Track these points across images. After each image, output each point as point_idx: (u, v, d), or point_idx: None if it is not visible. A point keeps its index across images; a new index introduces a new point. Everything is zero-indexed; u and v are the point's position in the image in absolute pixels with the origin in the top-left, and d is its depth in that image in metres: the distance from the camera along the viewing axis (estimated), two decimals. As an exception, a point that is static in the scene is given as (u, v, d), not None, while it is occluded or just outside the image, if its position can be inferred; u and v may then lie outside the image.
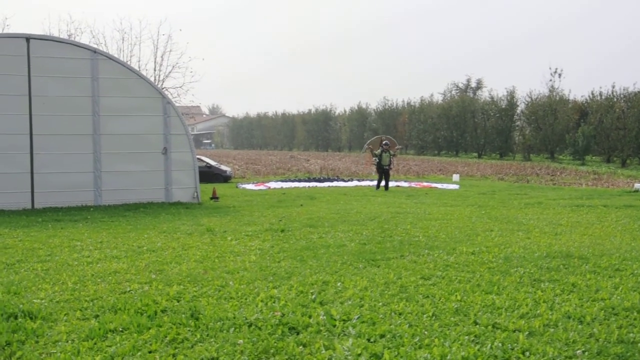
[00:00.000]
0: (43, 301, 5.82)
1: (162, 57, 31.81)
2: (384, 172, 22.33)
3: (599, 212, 14.10)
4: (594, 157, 46.22)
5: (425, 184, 26.55)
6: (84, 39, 40.42)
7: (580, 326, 5.00)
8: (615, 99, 43.17)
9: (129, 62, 30.00)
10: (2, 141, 14.50)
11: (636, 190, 20.77)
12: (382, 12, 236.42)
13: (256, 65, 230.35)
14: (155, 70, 31.65)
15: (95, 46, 28.46)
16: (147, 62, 45.24)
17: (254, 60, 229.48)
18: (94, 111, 15.28)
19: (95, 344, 4.64)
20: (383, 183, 22.33)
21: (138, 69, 29.80)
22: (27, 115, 14.69)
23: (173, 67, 31.97)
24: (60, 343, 4.65)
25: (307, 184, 25.86)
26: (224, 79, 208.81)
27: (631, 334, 4.76)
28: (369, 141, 30.25)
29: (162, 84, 31.07)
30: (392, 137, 44.26)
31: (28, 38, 14.64)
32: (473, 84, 73.87)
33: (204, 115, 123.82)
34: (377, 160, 22.61)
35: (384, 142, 23.28)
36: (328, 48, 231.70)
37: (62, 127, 15.01)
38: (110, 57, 16.03)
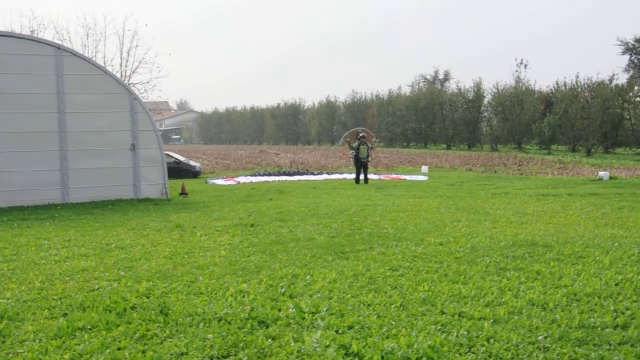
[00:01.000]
0: (9, 301, 5.76)
1: (128, 52, 31.56)
2: (362, 165, 22.09)
3: (564, 200, 14.37)
4: (560, 147, 47.01)
5: (394, 176, 26.74)
6: (48, 35, 39.87)
7: (543, 313, 5.12)
8: (579, 89, 43.95)
9: (94, 58, 29.69)
10: (-36, 140, 14.26)
11: (600, 179, 21.19)
12: (356, 11, 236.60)
13: (225, 61, 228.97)
14: (121, 66, 31.36)
15: (59, 42, 28.13)
16: (113, 58, 44.50)
17: (225, 57, 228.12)
18: (59, 108, 15.07)
19: (63, 342, 4.62)
20: (362, 176, 22.16)
21: (104, 65, 29.53)
22: (-9, 113, 14.45)
23: (140, 62, 31.73)
24: (27, 342, 4.62)
25: (276, 178, 25.87)
26: (192, 75, 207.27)
27: (592, 319, 4.89)
28: (345, 133, 30.26)
29: (128, 80, 30.82)
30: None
31: (-11, 34, 14.39)
32: (441, 76, 74.67)
33: (172, 111, 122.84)
34: (355, 153, 22.25)
35: (360, 135, 23.09)
36: (298, 46, 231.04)
37: (26, 124, 14.78)
38: (74, 54, 15.83)
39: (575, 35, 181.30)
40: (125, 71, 31.33)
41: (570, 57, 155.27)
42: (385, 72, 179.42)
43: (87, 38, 31.33)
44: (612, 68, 75.92)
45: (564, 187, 18.46)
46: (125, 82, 30.05)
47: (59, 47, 15.33)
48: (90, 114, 15.46)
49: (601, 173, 22.18)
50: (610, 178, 21.44)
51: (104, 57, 38.24)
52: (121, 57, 31.38)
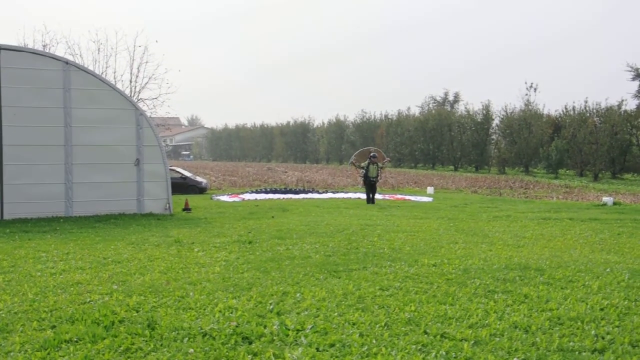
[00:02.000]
0: (1, 312, 5.86)
1: (138, 68, 31.84)
2: (370, 185, 21.96)
3: (564, 225, 14.37)
4: (567, 171, 46.93)
5: (399, 196, 26.77)
6: (60, 50, 40.41)
7: (525, 335, 5.16)
8: (588, 114, 43.97)
9: (104, 74, 30.05)
10: (-29, 152, 14.47)
11: (604, 204, 21.15)
12: (363, 27, 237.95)
13: (237, 77, 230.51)
14: (131, 81, 31.66)
15: (71, 57, 28.53)
16: (123, 73, 45.00)
17: (235, 72, 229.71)
18: (66, 122, 15.27)
19: (48, 354, 4.70)
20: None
21: (114, 80, 29.94)
22: (-2, 126, 14.67)
23: (149, 78, 32.01)
24: (12, 354, 4.70)
25: (281, 196, 25.96)
26: (204, 91, 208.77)
27: (571, 343, 4.93)
28: (355, 153, 30.33)
29: (138, 95, 31.08)
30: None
31: (-1, 49, 14.64)
32: (450, 98, 74.72)
33: (183, 127, 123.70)
34: (364, 172, 22.09)
35: (371, 154, 23.03)
36: (308, 62, 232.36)
37: (33, 138, 14.99)
38: (82, 69, 16.07)
39: (585, 62, 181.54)
40: (135, 87, 31.64)
41: (580, 83, 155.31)
42: (394, 96, 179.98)
43: (99, 53, 31.64)
44: (621, 94, 75.78)
45: (566, 211, 18.44)
46: (135, 97, 30.42)
47: (67, 62, 15.56)
48: (96, 128, 15.64)
49: (605, 198, 22.14)
50: (614, 204, 21.39)
51: (115, 72, 38.70)
52: (131, 73, 31.71)
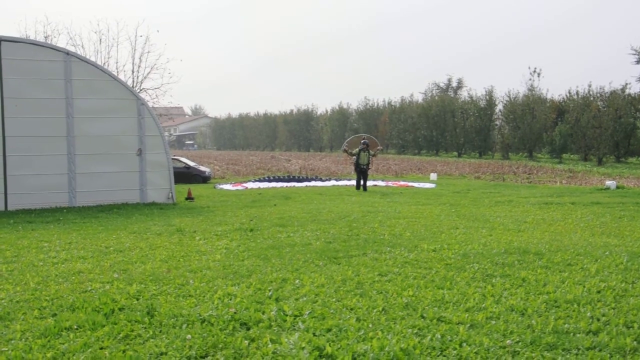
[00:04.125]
0: (2, 301, 5.92)
1: (140, 58, 31.75)
2: (361, 172, 22.04)
3: (566, 209, 14.38)
4: (572, 156, 46.77)
5: (402, 183, 26.79)
6: (61, 41, 40.37)
7: (520, 318, 5.20)
8: (591, 98, 43.71)
9: (106, 64, 30.02)
10: (-26, 144, 14.54)
11: (607, 188, 21.13)
12: (366, 15, 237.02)
13: (240, 66, 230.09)
14: (133, 71, 31.62)
15: (72, 48, 28.54)
16: (125, 64, 45.02)
17: (238, 61, 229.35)
18: (67, 113, 15.33)
19: (48, 341, 4.76)
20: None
21: (116, 71, 29.93)
22: (0, 118, 14.72)
23: (151, 68, 31.95)
24: (13, 341, 4.76)
25: (285, 184, 26.02)
26: (206, 81, 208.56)
27: (566, 325, 4.97)
28: (347, 140, 30.30)
29: (140, 86, 31.05)
30: (374, 136, 44.47)
31: (0, 40, 14.66)
32: (454, 84, 74.38)
33: (187, 116, 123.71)
34: (355, 159, 22.17)
35: (362, 141, 23.02)
36: (311, 50, 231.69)
37: (35, 129, 15.05)
38: (83, 59, 16.09)
39: (589, 43, 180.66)
40: (137, 77, 31.60)
41: (584, 68, 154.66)
42: (398, 83, 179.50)
43: (100, 44, 31.60)
44: (625, 78, 75.36)
45: (569, 195, 18.44)
46: (137, 87, 30.42)
47: (67, 53, 15.59)
48: (98, 118, 15.70)
49: (608, 182, 22.10)
50: (618, 187, 21.36)
51: (117, 62, 38.74)
52: (133, 63, 31.62)
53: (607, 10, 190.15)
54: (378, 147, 27.17)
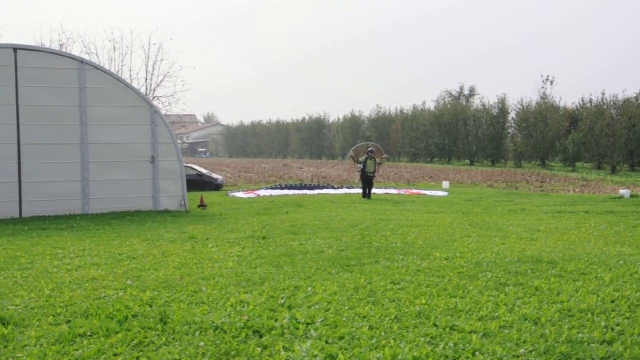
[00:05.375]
0: (17, 307, 5.97)
1: (153, 66, 32.05)
2: (367, 180, 21.93)
3: (579, 218, 14.30)
4: (585, 164, 46.53)
5: (414, 191, 26.75)
6: (76, 49, 40.74)
7: (534, 327, 5.18)
8: (605, 106, 43.53)
9: (120, 72, 30.29)
10: (-11, 150, 14.69)
11: (621, 197, 21.00)
12: (377, 22, 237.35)
13: (252, 73, 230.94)
14: (146, 79, 31.86)
15: (87, 56, 28.79)
16: (139, 72, 45.29)
17: (250, 69, 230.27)
18: (81, 120, 15.45)
19: (62, 347, 4.80)
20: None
21: (130, 78, 30.16)
22: (15, 125, 14.87)
23: (164, 76, 32.19)
24: (28, 347, 4.80)
25: (296, 192, 26.05)
26: (219, 88, 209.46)
27: (580, 334, 4.94)
28: (353, 148, 30.28)
29: (153, 93, 31.27)
30: (385, 144, 44.53)
31: (15, 48, 14.82)
32: (466, 91, 74.29)
33: (199, 124, 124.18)
34: (362, 167, 22.10)
35: (369, 149, 23.05)
36: (323, 58, 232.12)
37: (49, 136, 15.18)
38: (97, 67, 16.23)
39: (600, 54, 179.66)
40: (151, 84, 31.85)
41: (596, 75, 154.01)
42: (409, 90, 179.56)
43: (114, 52, 31.88)
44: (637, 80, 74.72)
45: (582, 204, 18.34)
46: (151, 95, 30.62)
47: (82, 61, 15.72)
48: (112, 126, 15.81)
49: (622, 191, 21.97)
50: (632, 196, 21.22)
51: (130, 70, 39.02)
52: (146, 71, 31.91)
53: (619, 12, 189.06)
54: (384, 155, 27.18)
